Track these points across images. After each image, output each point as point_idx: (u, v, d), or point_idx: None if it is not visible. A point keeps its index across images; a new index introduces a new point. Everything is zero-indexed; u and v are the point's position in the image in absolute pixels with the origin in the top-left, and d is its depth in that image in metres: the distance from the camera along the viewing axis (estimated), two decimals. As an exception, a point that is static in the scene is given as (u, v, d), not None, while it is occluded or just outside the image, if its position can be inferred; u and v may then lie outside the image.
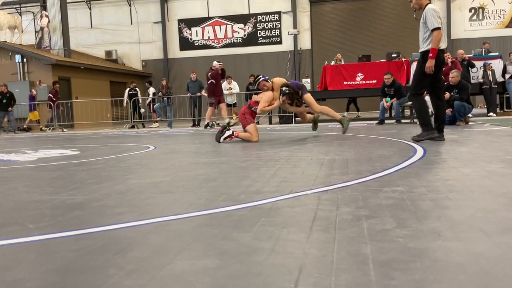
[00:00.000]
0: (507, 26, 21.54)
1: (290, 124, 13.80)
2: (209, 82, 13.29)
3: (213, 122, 15.16)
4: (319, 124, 8.53)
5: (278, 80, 7.75)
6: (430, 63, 5.86)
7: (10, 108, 16.44)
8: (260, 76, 7.77)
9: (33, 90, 17.84)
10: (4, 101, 16.23)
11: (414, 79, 6.33)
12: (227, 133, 7.50)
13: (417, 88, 6.17)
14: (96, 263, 1.73)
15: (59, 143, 9.80)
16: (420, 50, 6.07)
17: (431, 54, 5.85)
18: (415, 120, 11.55)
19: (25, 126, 17.84)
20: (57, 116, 16.88)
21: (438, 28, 5.82)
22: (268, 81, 7.63)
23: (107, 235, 2.15)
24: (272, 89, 7.61)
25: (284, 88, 7.52)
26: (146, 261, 1.73)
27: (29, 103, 17.64)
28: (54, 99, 16.54)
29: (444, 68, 11.17)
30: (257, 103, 7.59)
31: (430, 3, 6.13)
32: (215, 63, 13.27)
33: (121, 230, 2.23)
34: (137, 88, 16.92)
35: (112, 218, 2.47)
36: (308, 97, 7.86)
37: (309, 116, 8.13)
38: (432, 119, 6.28)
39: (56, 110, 16.65)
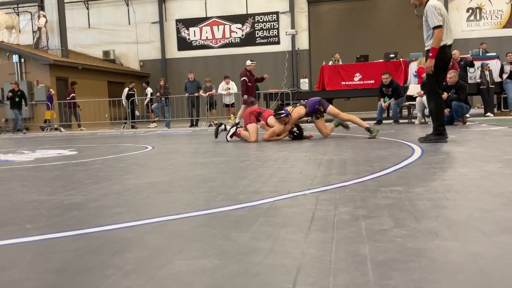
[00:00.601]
0: (504, 27, 21.60)
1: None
2: (242, 80, 12.72)
3: (211, 122, 15.17)
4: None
5: (297, 114, 7.47)
6: (429, 63, 5.73)
7: (26, 107, 16.58)
8: (284, 112, 7.41)
9: (51, 90, 17.84)
10: (17, 99, 16.23)
11: (427, 79, 6.07)
12: (232, 130, 7.59)
13: (432, 87, 5.88)
14: (94, 263, 1.72)
15: (57, 143, 9.79)
16: (425, 48, 5.91)
17: (431, 54, 5.71)
18: (413, 120, 11.60)
19: (42, 125, 17.89)
20: (76, 116, 17.02)
21: (439, 26, 5.65)
22: (288, 117, 7.41)
23: (105, 235, 2.14)
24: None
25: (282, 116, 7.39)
26: (144, 261, 1.73)
27: (46, 102, 17.73)
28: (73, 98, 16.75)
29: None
30: (266, 123, 7.54)
31: None
32: (248, 62, 13.04)
33: (119, 230, 2.22)
34: (134, 89, 16.92)
35: (110, 218, 2.46)
36: (332, 109, 7.64)
37: (329, 128, 7.76)
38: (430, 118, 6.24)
39: (74, 110, 16.80)
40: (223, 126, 8.17)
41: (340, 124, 7.76)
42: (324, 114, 7.72)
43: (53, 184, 3.78)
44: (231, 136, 7.68)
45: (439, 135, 5.84)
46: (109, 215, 2.56)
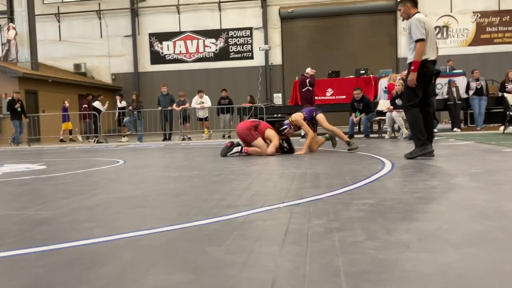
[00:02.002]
0: (470, 44, 22.35)
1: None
2: (304, 90, 12.63)
3: (185, 136, 15.09)
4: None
5: (299, 117, 7.66)
6: (411, 76, 5.59)
7: (26, 119, 16.08)
8: (286, 126, 7.50)
9: (66, 102, 17.51)
10: (19, 109, 15.64)
11: (405, 92, 6.02)
12: (236, 149, 7.26)
13: (409, 100, 5.78)
14: (65, 279, 1.69)
15: (25, 157, 9.55)
16: (407, 62, 5.77)
17: (412, 67, 5.60)
18: (383, 135, 11.82)
19: (61, 138, 17.45)
20: (89, 127, 16.70)
21: (421, 40, 5.55)
22: (291, 128, 7.57)
23: (76, 250, 2.10)
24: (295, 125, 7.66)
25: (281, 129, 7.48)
26: (117, 276, 1.71)
27: (62, 113, 17.53)
28: (88, 109, 16.50)
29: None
30: (263, 136, 7.37)
31: (418, 12, 5.86)
32: (308, 69, 12.45)
33: (90, 245, 2.18)
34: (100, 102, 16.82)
35: (81, 233, 2.42)
36: (320, 116, 7.81)
37: (319, 143, 7.87)
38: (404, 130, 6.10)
39: (88, 121, 16.50)
40: (239, 148, 7.40)
41: (332, 138, 7.77)
42: (317, 127, 8.03)
43: (21, 199, 3.69)
44: (232, 154, 7.30)
45: (422, 145, 5.63)
46: (80, 230, 2.51)
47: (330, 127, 7.79)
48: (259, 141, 7.26)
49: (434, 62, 5.79)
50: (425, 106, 5.82)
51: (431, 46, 5.71)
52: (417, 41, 5.57)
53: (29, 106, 18.58)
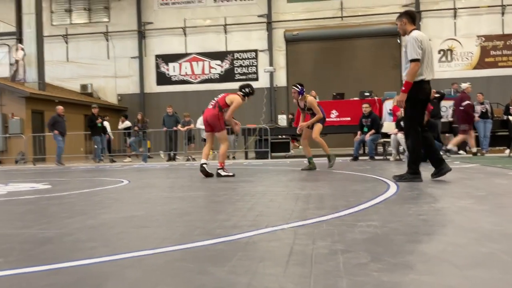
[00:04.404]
0: (474, 68, 22.44)
1: (266, 159, 13.86)
2: (465, 104, 12.02)
3: (189, 157, 15.12)
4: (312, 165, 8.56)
5: (314, 101, 8.66)
6: (400, 97, 5.40)
7: (107, 135, 15.65)
8: (299, 88, 8.62)
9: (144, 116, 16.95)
10: (99, 125, 15.25)
11: (404, 116, 5.80)
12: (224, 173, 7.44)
13: (410, 122, 5.58)
14: (68, 298, 1.68)
15: (30, 176, 9.59)
16: (403, 80, 5.54)
17: (403, 88, 5.37)
18: (388, 157, 11.80)
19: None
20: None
21: (416, 60, 5.27)
22: (300, 94, 8.56)
23: (80, 269, 2.10)
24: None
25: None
26: (120, 296, 1.70)
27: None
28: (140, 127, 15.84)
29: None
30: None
31: (416, 29, 5.61)
32: (464, 85, 11.89)
33: (94, 265, 2.18)
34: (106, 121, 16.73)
35: (85, 253, 2.42)
36: (318, 126, 8.52)
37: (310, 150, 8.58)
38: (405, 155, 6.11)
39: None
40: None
41: (329, 156, 8.55)
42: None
43: (25, 218, 3.70)
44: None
45: (414, 173, 5.55)
46: (84, 249, 2.51)
47: (319, 138, 8.47)
48: (224, 133, 7.69)
49: (429, 82, 5.54)
50: (422, 132, 5.66)
51: (428, 66, 5.44)
52: (411, 61, 5.30)
53: (35, 126, 18.73)
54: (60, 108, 15.25)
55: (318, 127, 8.50)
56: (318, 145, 8.69)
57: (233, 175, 7.37)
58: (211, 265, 2.07)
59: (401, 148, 11.43)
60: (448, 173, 5.64)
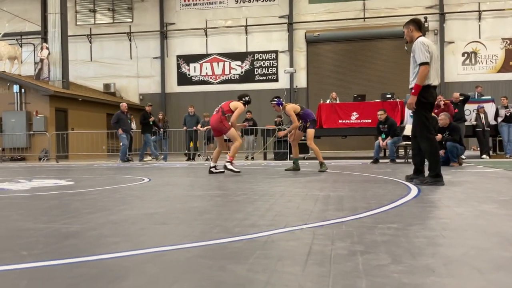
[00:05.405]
0: (499, 71, 22.04)
1: (285, 160, 13.84)
2: None
3: (208, 157, 15.19)
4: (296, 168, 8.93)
5: (292, 108, 8.63)
6: (411, 100, 5.48)
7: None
8: (276, 100, 8.75)
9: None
10: (151, 123, 14.83)
11: (415, 119, 5.74)
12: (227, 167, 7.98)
13: (423, 127, 5.57)
14: (90, 291, 1.72)
15: (53, 173, 9.77)
16: (410, 86, 5.63)
17: (413, 91, 5.46)
18: (409, 160, 11.65)
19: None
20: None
21: (425, 63, 5.38)
22: (279, 105, 8.67)
23: (102, 263, 2.14)
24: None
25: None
26: (141, 290, 1.73)
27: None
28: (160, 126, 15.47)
29: (436, 111, 11.38)
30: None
31: (422, 35, 5.71)
32: None
33: (115, 259, 2.22)
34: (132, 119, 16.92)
35: (107, 247, 2.46)
36: (310, 131, 8.59)
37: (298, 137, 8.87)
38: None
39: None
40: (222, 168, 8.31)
41: (321, 164, 8.58)
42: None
43: (49, 213, 3.78)
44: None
45: (435, 176, 5.48)
46: (106, 244, 2.55)
47: (313, 145, 8.59)
48: (232, 131, 8.10)
49: (435, 87, 5.63)
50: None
51: (434, 70, 5.54)
52: (421, 64, 5.41)
53: (58, 124, 19.09)
54: (124, 105, 15.09)
55: (311, 132, 8.60)
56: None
57: (238, 172, 7.94)
58: (230, 263, 2.09)
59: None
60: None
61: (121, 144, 14.81)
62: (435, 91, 5.64)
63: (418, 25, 5.77)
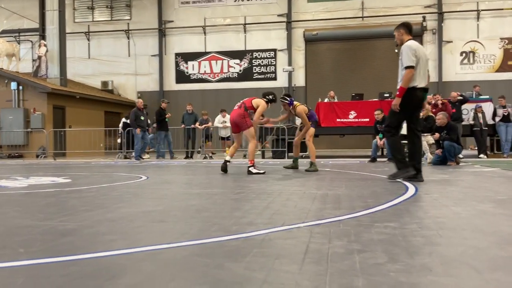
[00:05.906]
0: (497, 71, 22.05)
1: (283, 159, 13.84)
2: None
3: (206, 155, 15.18)
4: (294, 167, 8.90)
5: (303, 110, 8.48)
6: (395, 101, 5.73)
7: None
8: (288, 100, 8.45)
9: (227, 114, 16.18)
10: (167, 120, 14.65)
11: (388, 115, 6.27)
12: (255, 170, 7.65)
13: (388, 124, 6.09)
14: (87, 289, 1.71)
15: (50, 171, 9.75)
16: (397, 87, 5.88)
17: (398, 93, 5.71)
18: (407, 159, 11.62)
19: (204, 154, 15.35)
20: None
21: (410, 67, 5.61)
22: (290, 104, 8.45)
23: (98, 261, 2.13)
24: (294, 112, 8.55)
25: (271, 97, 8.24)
26: (137, 287, 1.73)
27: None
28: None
29: (434, 110, 11.38)
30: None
31: (412, 39, 5.94)
32: None
33: (112, 257, 2.21)
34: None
35: (104, 245, 2.45)
36: (311, 129, 8.54)
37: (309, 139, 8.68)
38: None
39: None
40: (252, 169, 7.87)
41: (311, 164, 8.46)
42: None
43: (47, 210, 3.77)
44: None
45: (405, 167, 5.78)
46: (102, 242, 2.55)
47: (310, 143, 8.58)
48: (251, 130, 7.89)
49: (426, 90, 5.85)
50: (413, 137, 5.95)
51: (420, 73, 5.73)
52: (406, 67, 5.62)
53: (56, 121, 19.04)
54: (140, 101, 14.83)
55: (312, 130, 8.58)
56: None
57: (263, 173, 7.62)
58: (228, 261, 2.08)
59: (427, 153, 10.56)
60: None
61: (135, 143, 14.39)
62: (420, 93, 5.82)
63: (408, 28, 6.04)
